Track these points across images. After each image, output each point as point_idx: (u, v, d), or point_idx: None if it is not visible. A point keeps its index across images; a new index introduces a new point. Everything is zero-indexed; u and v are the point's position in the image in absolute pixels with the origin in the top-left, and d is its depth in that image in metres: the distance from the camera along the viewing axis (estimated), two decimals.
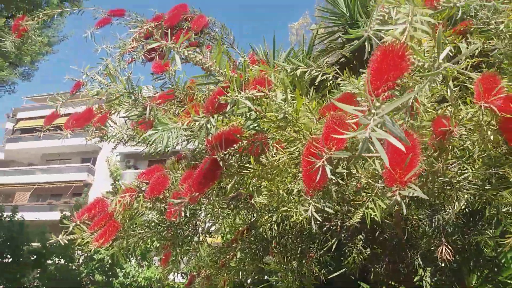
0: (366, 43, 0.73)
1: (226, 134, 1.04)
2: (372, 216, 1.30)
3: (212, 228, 1.79)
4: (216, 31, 2.46)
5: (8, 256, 14.66)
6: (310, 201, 0.80)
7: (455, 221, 2.06)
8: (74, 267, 14.55)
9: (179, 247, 1.64)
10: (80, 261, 14.97)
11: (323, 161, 0.80)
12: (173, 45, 0.99)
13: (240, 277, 2.25)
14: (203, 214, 1.70)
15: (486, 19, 1.42)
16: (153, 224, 1.55)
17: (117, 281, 14.19)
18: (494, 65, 1.42)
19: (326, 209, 0.95)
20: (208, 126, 0.99)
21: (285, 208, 1.12)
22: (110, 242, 1.52)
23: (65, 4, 12.47)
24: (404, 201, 1.50)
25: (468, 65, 1.21)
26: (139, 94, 1.52)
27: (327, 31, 4.20)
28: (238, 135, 1.03)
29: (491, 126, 0.96)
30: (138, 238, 1.65)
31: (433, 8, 0.77)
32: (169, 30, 2.21)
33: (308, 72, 1.60)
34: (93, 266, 14.25)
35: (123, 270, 14.01)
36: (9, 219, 15.45)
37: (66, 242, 1.46)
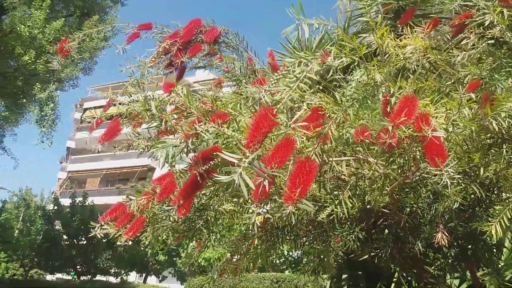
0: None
1: (205, 152, 1.29)
2: (343, 210, 1.52)
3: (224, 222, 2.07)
4: (230, 38, 2.71)
5: (83, 239, 16.09)
6: (254, 209, 1.04)
7: (453, 209, 2.19)
8: (141, 248, 15.69)
9: (189, 239, 1.96)
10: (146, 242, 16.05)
11: (240, 174, 1.04)
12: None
13: (260, 261, 2.54)
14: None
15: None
16: (170, 219, 1.85)
17: (180, 261, 15.15)
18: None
19: (306, 208, 1.17)
20: (188, 147, 1.26)
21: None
22: (139, 234, 1.85)
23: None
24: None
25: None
26: (156, 110, 1.81)
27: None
28: (214, 153, 1.28)
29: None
30: (162, 230, 1.97)
31: (321, 63, 0.96)
32: (185, 45, 2.49)
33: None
34: (158, 247, 15.29)
35: (185, 251, 14.93)
36: (81, 204, 16.85)
37: (102, 235, 1.80)
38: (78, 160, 36.41)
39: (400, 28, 2.08)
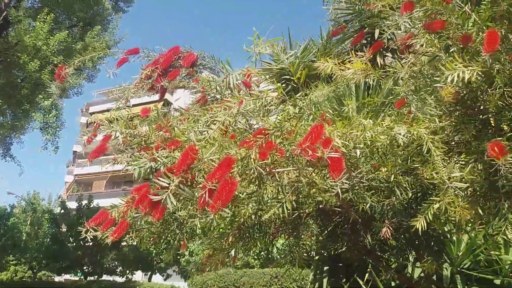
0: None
1: (168, 170, 1.65)
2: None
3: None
4: (207, 61, 3.07)
5: (89, 241, 16.53)
6: (212, 216, 1.38)
7: (397, 207, 2.54)
8: (145, 248, 16.14)
9: (164, 239, 2.32)
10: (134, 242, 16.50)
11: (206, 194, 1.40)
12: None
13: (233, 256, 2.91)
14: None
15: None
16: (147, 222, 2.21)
17: (183, 259, 15.57)
18: None
19: (225, 215, 1.54)
20: (152, 167, 1.62)
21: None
22: (123, 235, 2.22)
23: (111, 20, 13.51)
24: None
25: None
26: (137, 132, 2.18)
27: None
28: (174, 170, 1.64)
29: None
30: (142, 232, 2.34)
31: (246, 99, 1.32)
32: (165, 71, 2.85)
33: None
34: (161, 246, 15.70)
35: (189, 249, 15.36)
36: (87, 207, 17.31)
37: (92, 237, 2.16)
38: (84, 164, 36.93)
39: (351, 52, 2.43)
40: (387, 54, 3.20)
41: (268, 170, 1.75)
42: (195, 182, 1.54)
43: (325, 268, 4.65)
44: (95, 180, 36.54)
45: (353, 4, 2.44)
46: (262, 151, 1.62)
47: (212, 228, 2.97)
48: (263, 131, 1.69)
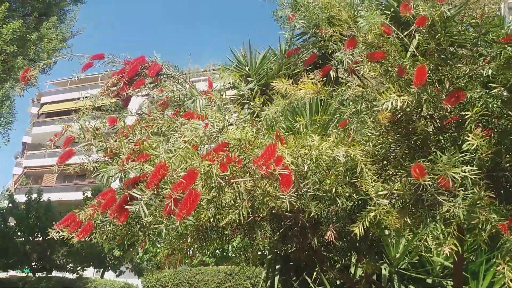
0: None
1: (133, 180, 1.82)
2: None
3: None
4: (171, 70, 3.23)
5: (39, 235, 16.10)
6: (178, 223, 1.57)
7: (341, 213, 2.81)
8: (97, 244, 15.89)
9: (128, 240, 2.49)
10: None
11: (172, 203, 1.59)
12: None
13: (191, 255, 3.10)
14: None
15: None
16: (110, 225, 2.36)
17: (137, 256, 15.50)
18: None
19: (190, 222, 1.73)
20: (121, 177, 1.79)
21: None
22: (88, 235, 2.35)
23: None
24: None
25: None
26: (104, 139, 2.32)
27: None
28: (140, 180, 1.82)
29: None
30: (107, 233, 2.49)
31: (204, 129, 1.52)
32: (130, 79, 2.99)
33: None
34: (124, 246, 15.57)
35: (144, 247, 15.27)
36: (36, 201, 16.79)
37: (58, 238, 2.29)
38: (34, 156, 35.62)
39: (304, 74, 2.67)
40: (339, 67, 3.49)
41: (227, 180, 1.97)
42: (161, 191, 1.73)
43: (277, 266, 4.91)
44: (46, 173, 35.33)
45: (307, 28, 2.68)
46: (222, 164, 1.82)
47: (173, 230, 3.14)
48: (224, 146, 1.90)
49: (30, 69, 3.20)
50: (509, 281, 1.62)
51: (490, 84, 1.94)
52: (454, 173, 1.64)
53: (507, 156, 1.98)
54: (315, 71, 2.61)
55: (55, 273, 17.62)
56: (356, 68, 2.42)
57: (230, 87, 3.32)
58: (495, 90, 1.95)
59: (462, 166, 1.72)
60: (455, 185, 1.69)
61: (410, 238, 3.63)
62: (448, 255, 1.82)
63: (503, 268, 1.65)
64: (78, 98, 3.53)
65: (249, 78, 5.42)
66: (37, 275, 17.18)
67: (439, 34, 2.12)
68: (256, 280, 11.41)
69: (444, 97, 1.93)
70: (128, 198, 1.81)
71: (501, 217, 1.64)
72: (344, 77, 3.08)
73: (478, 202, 1.73)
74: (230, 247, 11.98)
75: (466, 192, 1.73)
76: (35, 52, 12.17)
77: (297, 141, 2.00)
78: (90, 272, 20.54)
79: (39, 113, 39.23)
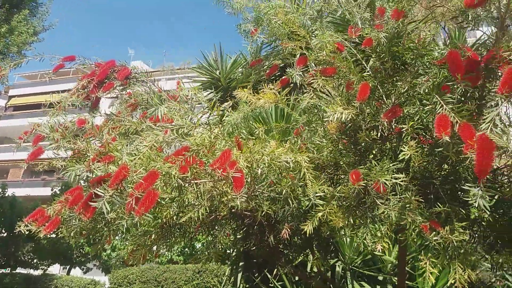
0: None
1: (98, 179, 1.98)
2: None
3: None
4: (140, 74, 3.38)
5: (3, 231, 15.79)
6: (137, 218, 1.74)
7: (295, 213, 3.02)
8: (65, 241, 15.72)
9: (93, 235, 2.64)
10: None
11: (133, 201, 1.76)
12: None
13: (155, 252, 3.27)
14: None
15: None
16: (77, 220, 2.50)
17: (104, 253, 15.42)
18: None
19: (148, 218, 1.90)
20: (88, 176, 1.95)
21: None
22: (55, 230, 2.49)
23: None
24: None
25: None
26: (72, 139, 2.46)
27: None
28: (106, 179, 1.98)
29: None
30: (73, 228, 2.63)
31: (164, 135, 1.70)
32: (100, 82, 3.12)
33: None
34: (82, 239, 15.40)
35: (111, 244, 15.22)
36: (0, 196, 16.44)
37: (28, 232, 2.42)
38: (0, 150, 34.67)
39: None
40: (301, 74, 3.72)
41: (189, 180, 2.15)
42: (124, 190, 1.89)
43: (240, 264, 5.12)
44: (12, 168, 34.47)
45: (269, 41, 2.88)
46: (182, 166, 2.00)
47: (138, 226, 3.30)
48: (185, 150, 2.08)
49: (2, 67, 3.29)
50: (429, 274, 1.86)
51: (423, 102, 2.18)
52: (385, 179, 1.87)
53: (435, 166, 2.23)
54: (280, 79, 2.83)
55: (19, 270, 17.31)
56: (311, 82, 2.64)
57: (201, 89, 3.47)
58: (429, 106, 2.20)
59: (397, 174, 1.96)
60: (387, 190, 1.92)
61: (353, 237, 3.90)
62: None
63: (425, 263, 1.90)
64: (48, 93, 3.64)
65: (219, 82, 5.60)
66: (0, 271, 16.84)
67: (383, 54, 2.36)
68: (223, 278, 11.62)
69: (383, 111, 2.17)
70: (93, 196, 1.97)
71: (425, 219, 1.88)
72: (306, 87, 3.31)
73: (407, 205, 1.97)
74: (200, 245, 12.11)
75: (397, 196, 1.97)
76: (5, 45, 11.99)
77: (256, 146, 2.20)
78: (56, 269, 20.25)
79: (7, 106, 38.24)
